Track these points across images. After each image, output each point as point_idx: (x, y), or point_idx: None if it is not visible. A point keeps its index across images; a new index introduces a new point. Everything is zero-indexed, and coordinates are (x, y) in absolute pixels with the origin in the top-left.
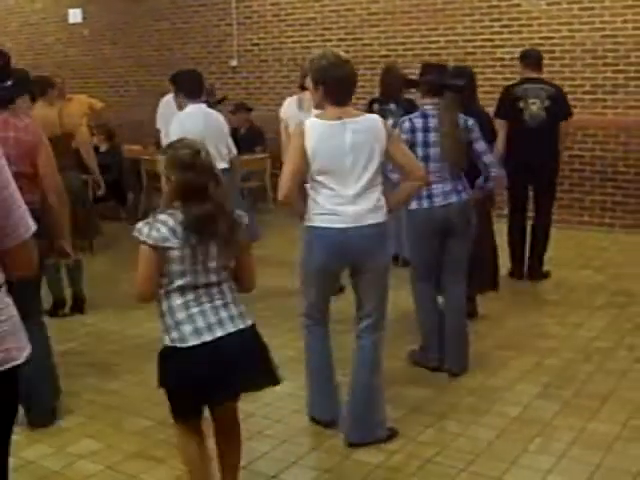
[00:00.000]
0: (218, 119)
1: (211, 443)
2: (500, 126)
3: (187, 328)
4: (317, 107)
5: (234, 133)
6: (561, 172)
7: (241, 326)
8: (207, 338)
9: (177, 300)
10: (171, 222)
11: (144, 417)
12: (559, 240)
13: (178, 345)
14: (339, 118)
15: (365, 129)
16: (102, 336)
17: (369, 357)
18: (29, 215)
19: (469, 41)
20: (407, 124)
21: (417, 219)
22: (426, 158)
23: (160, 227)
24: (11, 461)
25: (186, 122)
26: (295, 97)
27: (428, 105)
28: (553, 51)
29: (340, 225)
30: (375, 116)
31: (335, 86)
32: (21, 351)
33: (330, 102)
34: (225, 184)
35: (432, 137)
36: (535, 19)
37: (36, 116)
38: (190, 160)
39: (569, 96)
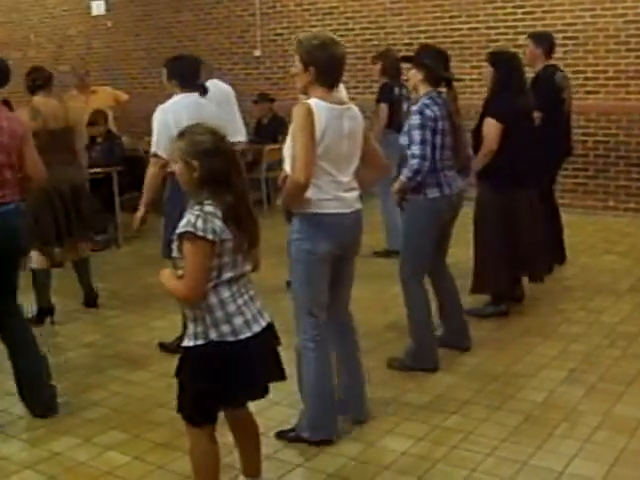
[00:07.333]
0: (210, 111)
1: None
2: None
3: (238, 320)
4: (303, 92)
5: (257, 123)
6: (585, 158)
7: (269, 318)
8: (256, 329)
9: (226, 292)
10: (219, 213)
11: (170, 408)
12: (584, 226)
13: (230, 339)
14: (340, 103)
15: (356, 116)
16: (126, 328)
17: (357, 338)
18: None
19: (491, 28)
20: (429, 112)
21: (437, 207)
22: (443, 146)
23: (214, 219)
24: (38, 453)
25: (169, 113)
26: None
27: (433, 92)
28: (576, 37)
29: (344, 210)
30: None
31: (328, 67)
32: None
33: (321, 84)
34: None
35: (446, 125)
36: (558, 5)
37: (39, 107)
38: (215, 146)
39: (592, 82)
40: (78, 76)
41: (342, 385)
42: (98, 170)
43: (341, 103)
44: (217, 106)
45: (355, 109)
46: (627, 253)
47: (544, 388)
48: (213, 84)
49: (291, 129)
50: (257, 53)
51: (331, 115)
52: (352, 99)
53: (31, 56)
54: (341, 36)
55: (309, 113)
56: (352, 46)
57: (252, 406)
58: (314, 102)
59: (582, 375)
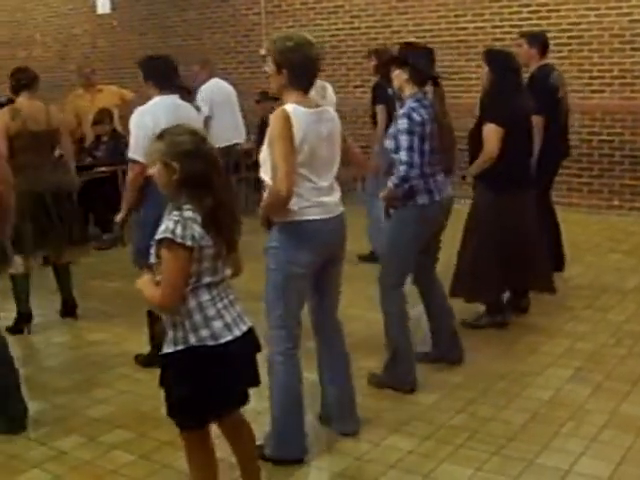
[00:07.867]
0: (189, 113)
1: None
2: (540, 121)
3: (218, 324)
4: (277, 94)
5: (260, 122)
6: (590, 157)
7: (249, 322)
8: (237, 333)
9: (205, 296)
10: (199, 218)
11: None
12: (589, 225)
13: (210, 343)
14: (317, 106)
15: (334, 118)
16: (131, 327)
17: (345, 347)
18: None
19: (497, 27)
20: (417, 117)
21: (427, 213)
22: (431, 151)
23: (193, 225)
24: (45, 452)
25: (146, 115)
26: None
27: (419, 94)
28: (581, 36)
29: (326, 216)
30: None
31: (301, 70)
32: None
33: (295, 88)
34: None
35: (434, 128)
36: (563, 4)
37: (20, 107)
38: (195, 147)
39: (598, 81)
40: (84, 75)
41: (329, 395)
42: (103, 169)
43: (317, 106)
44: (219, 105)
45: (331, 111)
46: (632, 252)
47: (550, 387)
48: (215, 83)
49: (268, 136)
50: (263, 52)
51: (309, 120)
52: (358, 98)
53: (36, 55)
54: (347, 35)
55: (287, 119)
56: (358, 45)
57: (257, 407)
58: (292, 108)
59: (588, 374)
